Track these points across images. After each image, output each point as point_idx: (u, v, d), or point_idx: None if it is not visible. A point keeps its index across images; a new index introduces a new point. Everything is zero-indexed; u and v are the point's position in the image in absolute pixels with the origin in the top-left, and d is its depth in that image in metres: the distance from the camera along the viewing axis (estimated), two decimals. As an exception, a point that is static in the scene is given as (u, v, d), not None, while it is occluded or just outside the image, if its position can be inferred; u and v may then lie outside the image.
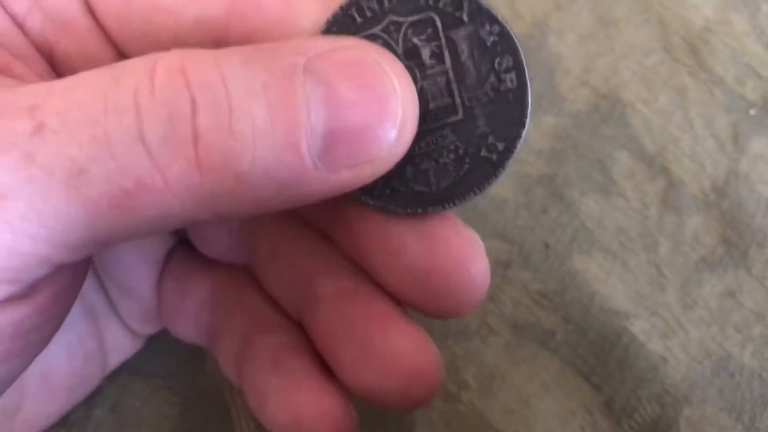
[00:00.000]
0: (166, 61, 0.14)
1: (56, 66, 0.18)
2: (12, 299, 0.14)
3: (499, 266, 0.25)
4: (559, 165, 0.26)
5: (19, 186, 0.13)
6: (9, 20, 0.17)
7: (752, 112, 0.26)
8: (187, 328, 0.22)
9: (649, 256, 0.25)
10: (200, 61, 0.14)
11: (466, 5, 0.16)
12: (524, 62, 0.16)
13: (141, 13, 0.17)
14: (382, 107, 0.14)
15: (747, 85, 0.27)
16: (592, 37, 0.28)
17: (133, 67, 0.14)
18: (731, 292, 0.24)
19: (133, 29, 0.17)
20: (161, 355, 0.24)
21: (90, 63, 0.18)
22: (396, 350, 0.17)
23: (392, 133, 0.15)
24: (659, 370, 0.24)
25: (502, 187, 0.26)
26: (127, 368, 0.24)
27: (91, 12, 0.18)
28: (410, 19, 0.16)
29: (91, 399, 0.24)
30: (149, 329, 0.23)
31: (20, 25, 0.17)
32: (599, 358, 0.24)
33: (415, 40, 0.16)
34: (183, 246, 0.23)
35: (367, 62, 0.15)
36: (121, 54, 0.18)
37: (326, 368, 0.18)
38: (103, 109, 0.13)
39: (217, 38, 0.17)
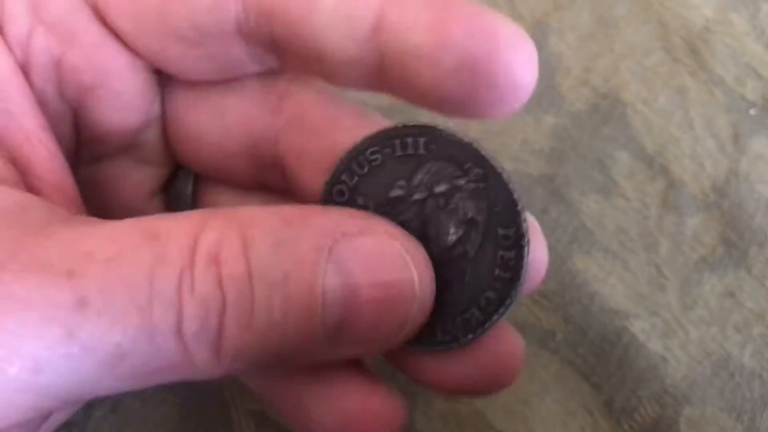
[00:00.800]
0: (206, 244, 0.14)
1: (63, 78, 0.18)
2: None
3: (499, 266, 0.25)
4: (559, 165, 0.26)
5: (57, 362, 0.13)
6: (7, 65, 0.17)
7: (752, 112, 0.27)
8: None
9: (649, 256, 0.25)
10: (233, 249, 0.14)
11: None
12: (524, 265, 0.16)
13: (154, 7, 0.17)
14: (396, 309, 0.15)
15: (747, 85, 0.27)
16: (593, 37, 0.28)
17: (177, 247, 0.14)
18: (731, 292, 0.24)
19: (148, 25, 0.17)
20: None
21: (99, 74, 0.18)
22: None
23: (402, 327, 0.15)
24: (659, 370, 0.24)
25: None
26: (127, 368, 0.24)
27: (101, 18, 0.17)
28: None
29: (91, 399, 0.24)
30: None
31: (24, 46, 0.17)
32: (599, 358, 0.24)
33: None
34: None
35: (391, 255, 0.15)
36: (135, 56, 0.18)
37: (364, 368, 0.18)
38: (148, 296, 0.13)
39: (237, 19, 0.16)
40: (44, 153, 0.17)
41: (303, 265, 0.14)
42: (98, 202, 0.20)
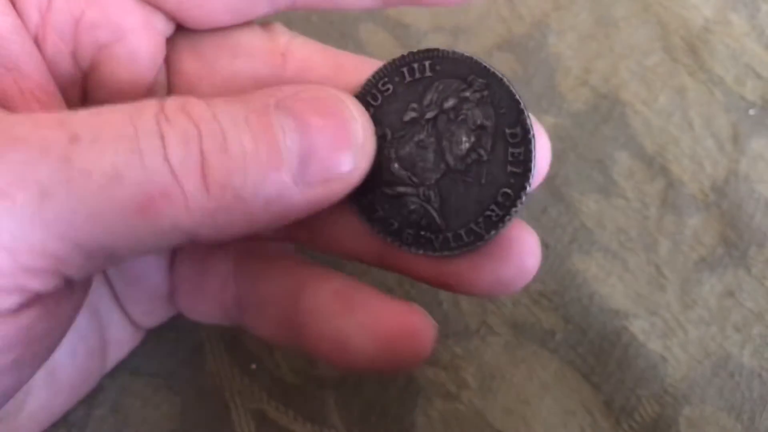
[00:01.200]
0: (169, 102, 0.16)
1: (80, 37, 0.19)
2: (24, 306, 0.15)
3: (499, 266, 0.25)
4: (558, 165, 0.26)
5: (59, 185, 0.14)
6: (8, 24, 0.18)
7: (752, 112, 0.27)
8: (210, 308, 0.22)
9: (649, 255, 0.25)
10: (195, 103, 0.16)
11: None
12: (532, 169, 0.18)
13: None
14: (345, 129, 0.17)
15: (746, 85, 0.27)
16: (592, 37, 0.28)
17: (146, 104, 0.16)
18: (731, 291, 0.24)
19: None
20: (161, 355, 0.24)
21: (116, 31, 0.19)
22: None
23: (356, 151, 0.17)
24: (659, 370, 0.24)
25: (501, 187, 0.26)
26: (128, 368, 0.24)
27: None
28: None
29: (92, 399, 0.24)
30: (153, 320, 0.23)
31: (44, 8, 0.18)
32: (599, 358, 0.24)
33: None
34: None
35: (328, 96, 0.17)
36: (151, 13, 0.19)
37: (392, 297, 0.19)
38: (134, 130, 0.15)
39: None
40: (38, 110, 0.18)
41: (257, 112, 0.16)
42: None
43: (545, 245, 0.25)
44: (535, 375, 0.24)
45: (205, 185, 0.16)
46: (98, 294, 0.22)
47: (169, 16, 0.19)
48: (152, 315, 0.23)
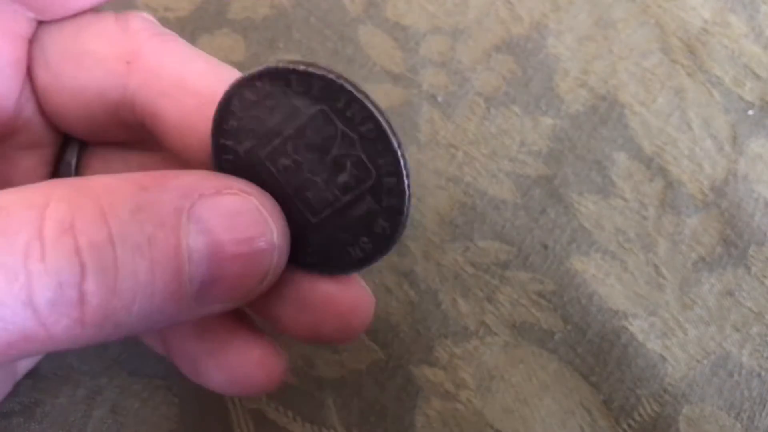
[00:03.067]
0: (55, 216, 0.13)
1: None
2: None
3: (498, 267, 0.25)
4: (557, 166, 0.26)
5: None
6: None
7: (750, 112, 0.27)
8: None
9: (648, 256, 0.25)
10: (89, 217, 0.14)
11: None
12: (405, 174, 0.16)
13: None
14: (259, 262, 0.15)
15: (745, 85, 0.27)
16: (591, 38, 0.28)
17: (21, 219, 0.13)
18: (730, 291, 0.24)
19: None
20: (160, 356, 0.24)
21: None
22: (327, 296, 0.17)
23: (264, 280, 0.16)
24: (658, 369, 0.23)
25: (500, 188, 0.26)
26: (126, 369, 0.24)
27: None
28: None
29: (91, 400, 0.24)
30: (23, 369, 0.22)
31: None
32: (598, 358, 0.24)
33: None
34: None
35: (250, 212, 0.15)
36: (8, 5, 0.18)
37: (247, 322, 0.18)
38: None
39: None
40: None
41: (165, 227, 0.14)
42: None
43: (544, 246, 0.25)
44: (534, 375, 0.24)
45: (82, 326, 0.14)
46: None
47: (26, 5, 0.17)
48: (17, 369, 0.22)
